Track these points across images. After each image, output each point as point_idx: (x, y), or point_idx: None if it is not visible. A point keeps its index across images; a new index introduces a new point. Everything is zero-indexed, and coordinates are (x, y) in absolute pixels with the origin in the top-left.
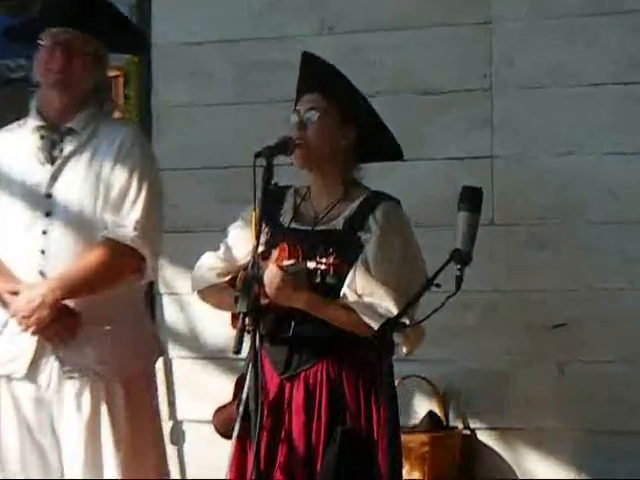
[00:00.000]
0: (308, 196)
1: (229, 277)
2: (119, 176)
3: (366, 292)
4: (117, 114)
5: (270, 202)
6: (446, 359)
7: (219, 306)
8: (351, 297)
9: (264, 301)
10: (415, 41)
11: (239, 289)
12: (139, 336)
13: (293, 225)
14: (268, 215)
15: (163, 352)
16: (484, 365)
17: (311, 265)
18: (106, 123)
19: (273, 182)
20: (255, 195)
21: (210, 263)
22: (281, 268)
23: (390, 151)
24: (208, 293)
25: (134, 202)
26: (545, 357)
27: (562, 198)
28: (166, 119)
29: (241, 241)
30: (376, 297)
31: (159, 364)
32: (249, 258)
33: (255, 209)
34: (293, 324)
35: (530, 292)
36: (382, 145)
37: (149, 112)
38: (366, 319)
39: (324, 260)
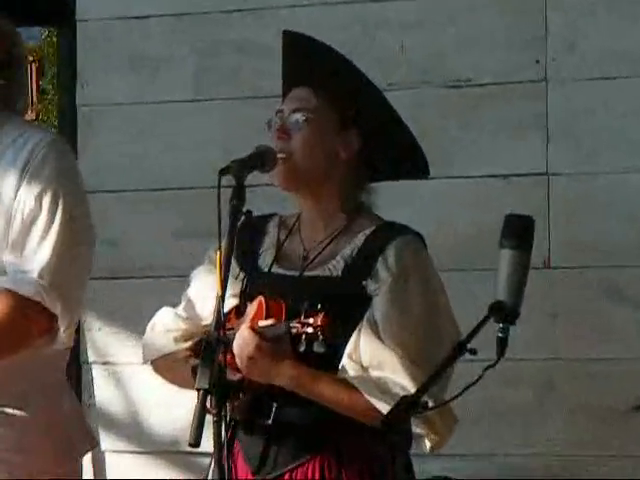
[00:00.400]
0: (297, 228)
1: (191, 342)
2: (24, 201)
3: (374, 364)
4: (30, 115)
5: (244, 237)
6: (486, 453)
7: (177, 383)
8: (353, 371)
9: (235, 376)
10: (442, 14)
11: (201, 357)
12: (57, 424)
13: (275, 269)
14: (242, 255)
15: (95, 444)
16: (537, 461)
17: (294, 328)
18: (13, 127)
19: (245, 209)
20: (220, 226)
21: (166, 323)
22: (256, 331)
23: (412, 165)
24: (162, 365)
25: (42, 238)
26: (622, 450)
27: None
28: (97, 122)
29: (207, 292)
30: (387, 370)
31: (86, 460)
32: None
33: (220, 247)
34: (274, 408)
35: (602, 361)
36: (400, 157)
37: (73, 112)
38: (374, 401)
39: (310, 320)
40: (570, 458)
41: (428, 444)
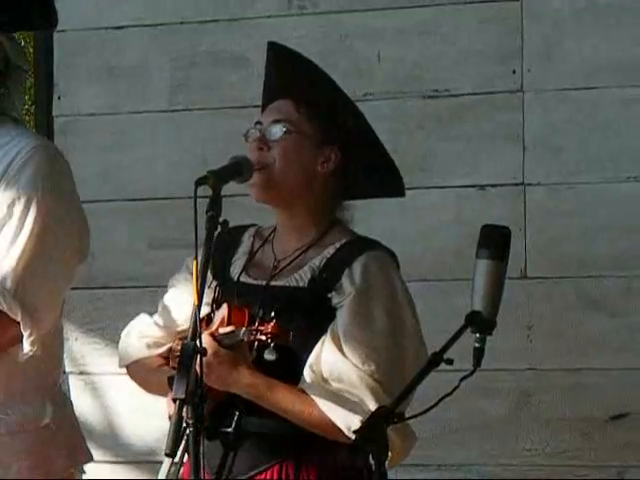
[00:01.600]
0: (271, 239)
1: (164, 349)
2: None
3: (334, 376)
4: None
5: (219, 247)
6: (462, 463)
7: (148, 389)
8: (314, 382)
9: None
10: (420, 24)
11: (174, 367)
12: (35, 437)
13: (244, 279)
14: (216, 264)
15: (90, 458)
16: (514, 472)
17: (247, 335)
18: (4, 133)
19: (221, 220)
20: (197, 237)
21: (141, 330)
22: (215, 338)
23: (388, 185)
24: (135, 370)
25: (10, 244)
26: (599, 460)
27: (623, 242)
28: (73, 133)
29: (183, 299)
30: (347, 384)
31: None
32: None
33: (197, 257)
34: (237, 415)
35: (578, 372)
36: (376, 175)
37: (49, 123)
38: (329, 413)
39: (262, 328)
40: (547, 468)
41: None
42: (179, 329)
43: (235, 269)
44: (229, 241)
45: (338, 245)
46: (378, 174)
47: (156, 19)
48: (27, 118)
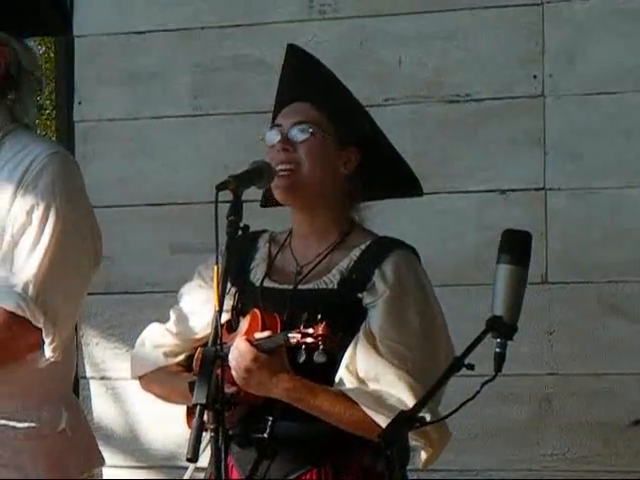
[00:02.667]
0: (288, 244)
1: (182, 357)
2: (15, 215)
3: (370, 376)
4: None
5: (238, 253)
6: (483, 469)
7: (168, 397)
8: (350, 383)
9: (231, 389)
10: (441, 29)
11: (196, 373)
12: (52, 441)
13: (267, 284)
14: (235, 271)
15: (100, 463)
16: (534, 477)
17: (293, 338)
18: (15, 141)
19: (242, 225)
20: (218, 242)
21: (156, 339)
22: (252, 343)
23: (403, 184)
24: (152, 380)
25: (30, 252)
26: (620, 465)
27: None
28: (94, 138)
29: (199, 307)
30: (384, 383)
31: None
32: (209, 330)
33: (218, 262)
34: (270, 421)
35: (600, 376)
36: (392, 175)
37: (70, 128)
38: (371, 414)
39: (310, 331)
40: (568, 474)
41: (424, 456)
42: (197, 337)
43: (256, 275)
44: (245, 247)
45: (363, 247)
46: (395, 175)
47: (177, 24)
48: (48, 123)
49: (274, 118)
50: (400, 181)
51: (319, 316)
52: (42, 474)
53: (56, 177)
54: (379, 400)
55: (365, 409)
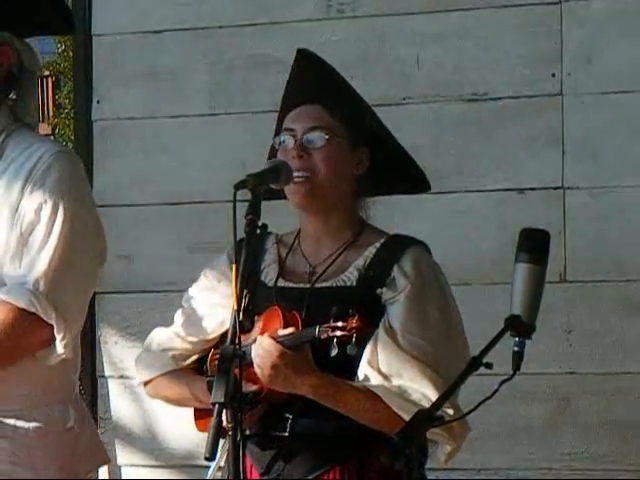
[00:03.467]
0: (298, 245)
1: (191, 360)
2: (24, 213)
3: (393, 372)
4: (45, 128)
5: (247, 255)
6: (501, 467)
7: (178, 401)
8: (374, 379)
9: (251, 388)
10: (459, 28)
11: (210, 374)
12: (60, 439)
13: (281, 283)
14: (244, 272)
15: (106, 461)
16: (553, 476)
17: (324, 332)
18: (19, 141)
19: (261, 223)
20: (236, 241)
21: (163, 342)
22: (276, 340)
23: (412, 180)
24: (161, 384)
25: (39, 249)
26: (639, 465)
27: None
28: (112, 137)
29: (208, 309)
30: (407, 378)
31: (102, 474)
32: (219, 332)
33: (235, 261)
34: (291, 419)
35: (619, 375)
36: (400, 172)
37: (89, 127)
38: (397, 409)
39: (339, 324)
40: (586, 473)
41: (447, 449)
42: (207, 339)
43: (268, 275)
44: (255, 249)
45: (378, 244)
46: (403, 171)
47: (195, 23)
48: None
49: (281, 120)
50: (409, 177)
51: (350, 310)
52: (54, 473)
53: (63, 175)
54: (403, 395)
55: (390, 404)
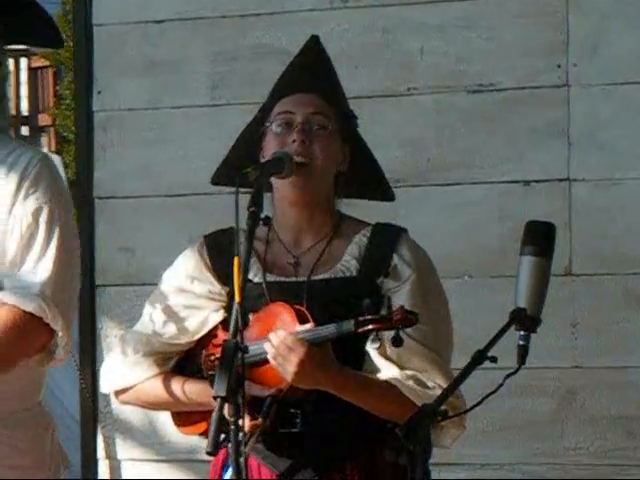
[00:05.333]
0: (274, 237)
1: (172, 363)
2: (21, 218)
3: (403, 360)
4: (46, 119)
5: (218, 252)
6: (506, 462)
7: (159, 405)
8: (388, 369)
9: (269, 391)
10: (464, 18)
11: (218, 365)
12: (41, 444)
13: (270, 278)
14: (220, 270)
15: (68, 462)
16: (558, 470)
17: (363, 326)
18: (1, 145)
19: (263, 215)
20: (238, 233)
21: (138, 347)
22: (299, 337)
23: (378, 186)
24: (141, 390)
25: (41, 254)
26: None
27: None
28: (113, 127)
29: (183, 309)
30: (418, 367)
31: (103, 469)
32: (201, 332)
33: (238, 253)
34: (300, 415)
35: (624, 369)
36: (368, 177)
37: (89, 118)
38: (414, 399)
39: (385, 316)
40: (592, 467)
41: (454, 433)
42: (184, 342)
43: (252, 271)
44: (226, 246)
45: (367, 233)
46: (374, 178)
47: (197, 13)
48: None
49: (272, 103)
50: (377, 184)
51: (387, 301)
52: (39, 471)
53: (53, 181)
54: (419, 384)
55: (408, 394)
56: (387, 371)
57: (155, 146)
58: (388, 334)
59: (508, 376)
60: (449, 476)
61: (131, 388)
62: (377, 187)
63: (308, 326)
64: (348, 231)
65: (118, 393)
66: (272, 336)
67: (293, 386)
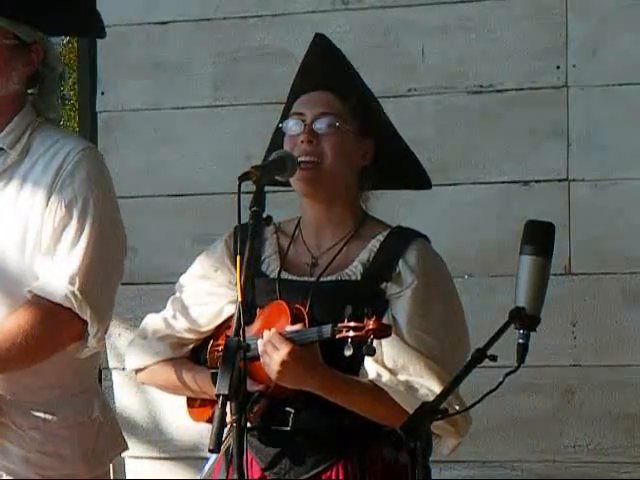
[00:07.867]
0: (299, 235)
1: (188, 349)
2: (55, 210)
3: (398, 366)
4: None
5: (243, 244)
6: (506, 460)
7: (174, 389)
8: (379, 374)
9: (257, 387)
10: (464, 20)
11: (216, 363)
12: (87, 430)
13: (284, 276)
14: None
15: (125, 448)
16: (558, 469)
17: (340, 332)
18: (45, 136)
19: (265, 215)
20: (240, 233)
21: (159, 330)
22: (286, 336)
23: (413, 176)
24: (155, 371)
25: (72, 245)
26: None
27: None
28: (116, 128)
29: (203, 298)
30: (413, 373)
31: None
32: (218, 320)
33: (241, 253)
34: (293, 413)
35: (623, 368)
36: (402, 168)
37: (93, 118)
38: (404, 405)
39: (359, 324)
40: (590, 465)
41: (452, 443)
42: (203, 329)
43: (269, 267)
44: (259, 241)
45: (381, 237)
46: (406, 167)
47: (200, 14)
48: (72, 113)
49: (289, 105)
50: (411, 173)
51: (366, 310)
52: (78, 461)
53: (90, 172)
54: (410, 390)
55: (397, 400)
56: (379, 376)
57: (158, 146)
58: (385, 340)
59: (508, 374)
60: (449, 474)
61: (146, 368)
62: (410, 176)
63: (297, 327)
64: (368, 233)
65: (137, 372)
66: (264, 334)
67: (278, 386)
